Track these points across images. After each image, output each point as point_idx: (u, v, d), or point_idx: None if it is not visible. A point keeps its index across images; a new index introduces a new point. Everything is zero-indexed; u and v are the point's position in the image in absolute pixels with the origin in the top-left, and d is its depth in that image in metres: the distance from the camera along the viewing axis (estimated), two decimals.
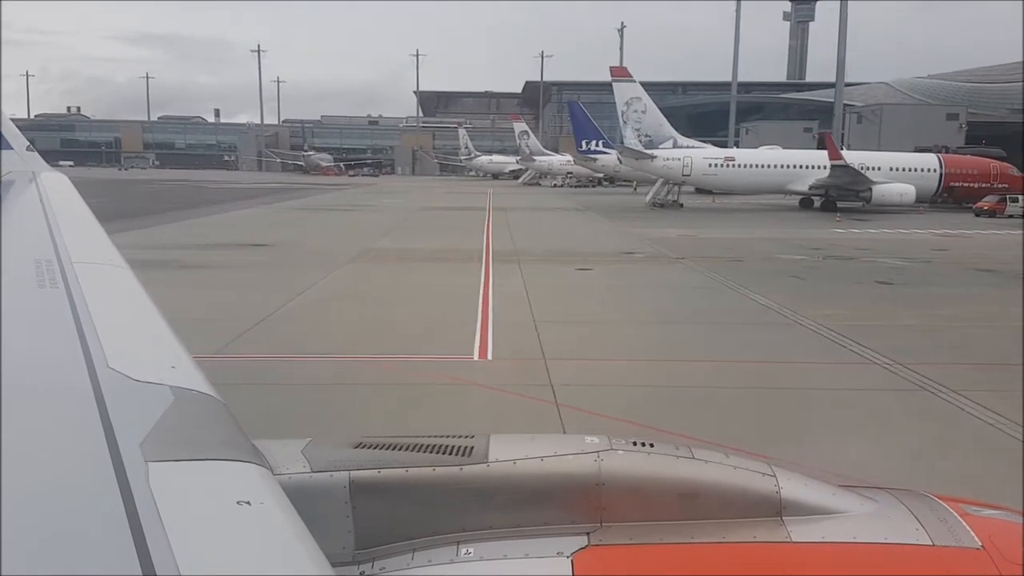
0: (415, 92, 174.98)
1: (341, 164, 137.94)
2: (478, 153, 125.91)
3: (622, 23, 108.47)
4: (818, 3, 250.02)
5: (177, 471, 1.57)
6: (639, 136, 50.86)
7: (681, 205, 51.67)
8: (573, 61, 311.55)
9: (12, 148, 8.18)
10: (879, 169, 49.34)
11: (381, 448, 2.41)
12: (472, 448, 2.38)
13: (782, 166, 51.02)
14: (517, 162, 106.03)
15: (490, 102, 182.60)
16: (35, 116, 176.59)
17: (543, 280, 20.42)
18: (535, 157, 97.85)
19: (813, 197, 51.30)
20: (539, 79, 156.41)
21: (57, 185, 6.78)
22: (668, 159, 50.35)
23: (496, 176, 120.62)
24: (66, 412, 1.84)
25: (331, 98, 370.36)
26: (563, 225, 40.76)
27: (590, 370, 11.92)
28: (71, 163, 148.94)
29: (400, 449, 2.40)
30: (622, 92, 50.88)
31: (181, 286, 19.24)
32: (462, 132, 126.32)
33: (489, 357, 12.56)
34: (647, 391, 10.88)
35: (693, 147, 53.39)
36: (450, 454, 2.36)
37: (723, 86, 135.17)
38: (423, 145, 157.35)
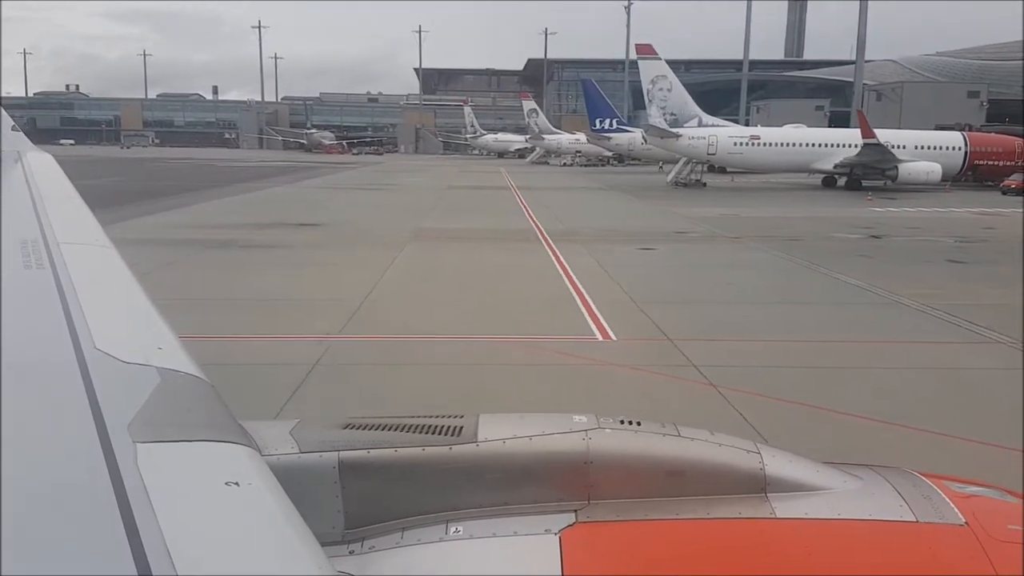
0: (416, 69, 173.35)
1: (344, 143, 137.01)
2: (483, 131, 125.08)
3: (629, 0, 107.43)
4: None
5: (165, 452, 1.56)
6: (664, 114, 50.56)
7: (704, 184, 51.51)
8: (571, 39, 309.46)
9: None
10: (904, 147, 49.19)
11: (370, 428, 2.42)
12: (461, 428, 2.39)
13: (808, 144, 50.83)
14: (526, 140, 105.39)
15: (491, 80, 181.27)
16: (34, 94, 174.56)
17: (613, 259, 20.31)
18: (544, 136, 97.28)
19: (837, 176, 51.22)
20: (540, 56, 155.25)
21: (42, 165, 6.74)
22: (693, 137, 50.12)
23: (501, 155, 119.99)
24: (53, 393, 1.83)
25: (323, 75, 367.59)
26: (597, 204, 40.58)
27: (726, 351, 11.83)
28: (72, 141, 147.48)
29: (389, 429, 2.41)
30: (647, 70, 50.50)
31: (258, 266, 19.14)
32: (467, 110, 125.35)
33: (614, 337, 12.46)
34: (798, 372, 10.81)
35: (718, 126, 53.16)
36: (439, 434, 2.37)
37: (722, 64, 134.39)
38: (425, 123, 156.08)
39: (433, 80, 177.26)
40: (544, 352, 11.70)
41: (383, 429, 2.41)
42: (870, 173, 48.85)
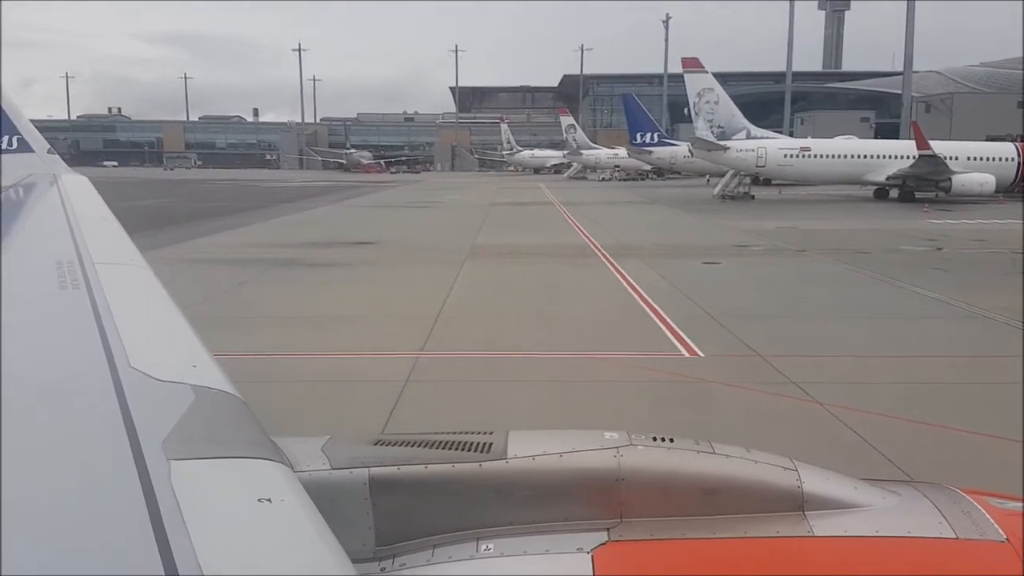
0: (451, 88, 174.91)
1: (381, 161, 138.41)
2: (520, 148, 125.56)
3: (667, 15, 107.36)
4: None
5: (198, 469, 1.58)
6: (711, 127, 50.20)
7: (752, 197, 50.95)
8: (603, 55, 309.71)
9: (34, 151, 8.43)
10: (956, 159, 48.21)
11: (400, 445, 2.42)
12: (491, 444, 2.39)
13: (860, 156, 50.08)
14: (564, 156, 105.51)
15: (525, 96, 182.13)
16: (77, 117, 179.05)
17: (679, 274, 20.04)
18: (582, 151, 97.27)
19: (889, 188, 50.35)
20: (575, 73, 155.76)
21: (78, 187, 6.85)
22: (742, 150, 49.65)
23: (537, 171, 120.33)
24: (89, 412, 1.86)
25: (358, 95, 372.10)
26: (647, 218, 40.29)
27: (820, 367, 11.52)
28: (115, 163, 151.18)
29: (419, 446, 2.41)
30: (693, 83, 50.23)
31: (327, 285, 19.24)
32: (504, 127, 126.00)
33: (700, 353, 12.22)
34: (900, 388, 10.48)
35: (767, 137, 52.63)
36: (469, 450, 2.36)
37: (758, 76, 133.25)
38: (461, 141, 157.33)
39: (468, 98, 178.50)
40: (631, 369, 11.50)
41: (413, 445, 2.41)
42: (923, 185, 47.94)
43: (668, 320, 14.44)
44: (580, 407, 9.74)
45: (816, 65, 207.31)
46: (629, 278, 19.24)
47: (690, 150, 54.69)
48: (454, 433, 2.47)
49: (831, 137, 57.04)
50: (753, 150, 49.59)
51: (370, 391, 10.38)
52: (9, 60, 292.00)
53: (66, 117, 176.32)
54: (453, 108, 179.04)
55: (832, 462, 2.67)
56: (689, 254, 24.20)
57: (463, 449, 2.37)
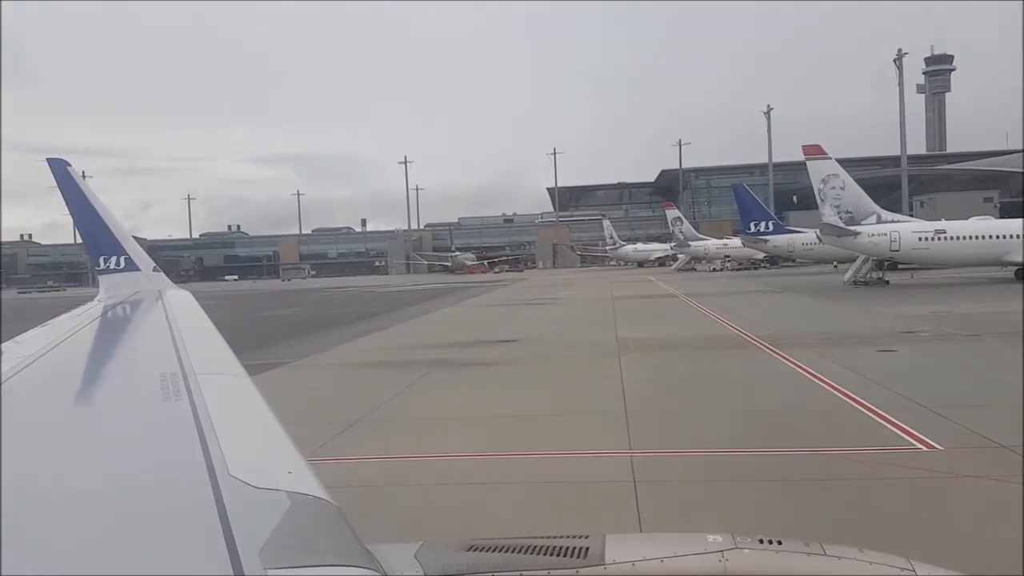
0: (548, 189, 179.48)
1: (485, 262, 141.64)
2: (623, 242, 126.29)
3: (768, 106, 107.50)
4: (952, 73, 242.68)
5: None
6: (839, 212, 48.97)
7: (887, 282, 48.91)
8: (696, 149, 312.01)
9: (139, 270, 8.87)
10: None
11: (494, 551, 2.36)
12: (587, 549, 2.30)
13: (999, 236, 47.72)
14: (671, 248, 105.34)
15: (622, 193, 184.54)
16: (199, 236, 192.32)
17: (858, 362, 18.94)
18: (690, 242, 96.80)
19: None
20: (673, 167, 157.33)
21: (181, 302, 7.19)
22: (874, 235, 48.11)
23: (641, 264, 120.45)
24: (190, 520, 1.92)
25: (453, 201, 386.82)
26: (785, 307, 39.04)
27: None
28: (235, 277, 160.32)
29: (513, 551, 2.34)
30: (817, 169, 49.44)
31: (493, 384, 19.14)
32: (606, 223, 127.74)
33: (938, 447, 11.28)
34: None
35: (898, 221, 50.95)
36: (565, 556, 2.28)
37: (861, 162, 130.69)
38: (560, 239, 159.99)
39: (565, 197, 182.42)
40: (870, 465, 10.66)
41: (507, 551, 2.35)
42: None
43: (878, 411, 13.52)
44: (836, 510, 8.99)
45: (920, 148, 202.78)
46: (807, 368, 18.34)
47: (818, 237, 53.34)
48: (549, 537, 2.40)
49: (952, 219, 54.79)
50: (886, 234, 47.98)
51: (607, 491, 9.97)
52: (129, 186, 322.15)
53: (188, 236, 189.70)
54: (550, 207, 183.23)
55: None
56: (855, 342, 23.05)
57: (559, 555, 2.29)
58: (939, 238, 47.92)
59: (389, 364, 23.23)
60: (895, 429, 12.38)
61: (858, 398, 14.69)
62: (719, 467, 10.97)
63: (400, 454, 12.19)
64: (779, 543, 2.30)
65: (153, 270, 9.18)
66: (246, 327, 39.75)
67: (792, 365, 19.11)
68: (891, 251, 48.11)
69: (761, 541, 2.31)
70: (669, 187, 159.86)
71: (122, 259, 8.93)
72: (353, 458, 11.88)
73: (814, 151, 49.22)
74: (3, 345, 4.95)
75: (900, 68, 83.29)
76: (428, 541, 2.41)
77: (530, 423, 14.33)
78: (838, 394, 15.38)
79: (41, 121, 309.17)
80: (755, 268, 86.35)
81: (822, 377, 17.11)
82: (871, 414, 13.50)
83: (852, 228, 48.33)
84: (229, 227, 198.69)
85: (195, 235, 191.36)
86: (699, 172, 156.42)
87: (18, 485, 2.15)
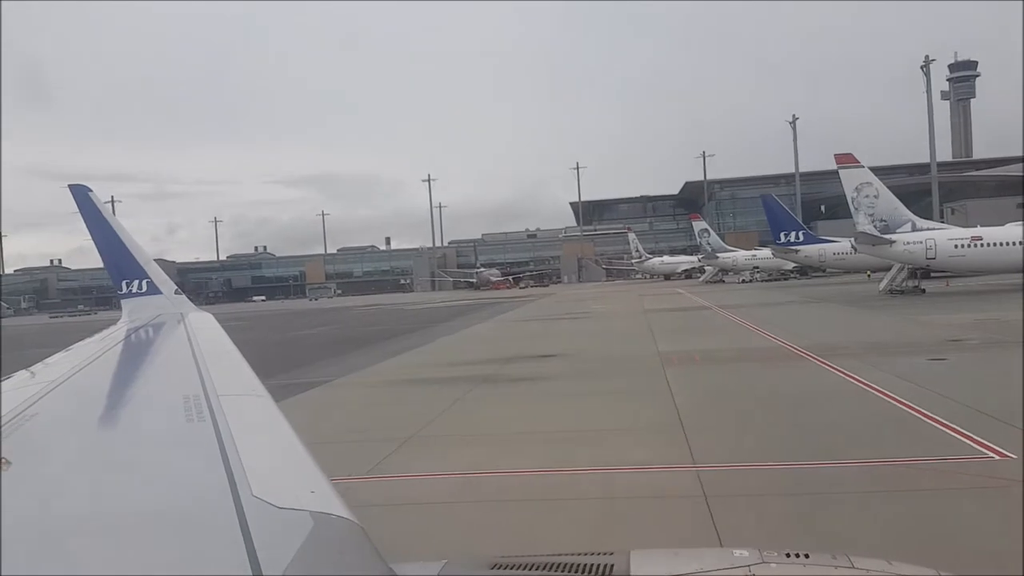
0: (572, 204, 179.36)
1: (510, 278, 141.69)
2: (648, 255, 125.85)
3: (794, 116, 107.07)
4: (977, 79, 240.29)
5: None
6: (873, 221, 48.48)
7: (923, 291, 48.27)
8: (720, 160, 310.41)
9: (161, 293, 8.92)
10: None
11: (518, 568, 2.37)
12: (612, 566, 2.27)
13: None
14: (699, 260, 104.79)
15: (645, 206, 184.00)
16: (227, 258, 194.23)
17: (910, 372, 18.65)
18: (718, 254, 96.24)
19: None
20: (696, 179, 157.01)
21: (203, 323, 7.24)
22: (909, 243, 47.55)
23: (668, 277, 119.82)
24: (214, 541, 1.93)
25: (476, 217, 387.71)
26: (822, 317, 38.65)
27: None
28: (263, 297, 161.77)
29: (537, 568, 2.35)
30: (850, 178, 49.05)
31: (543, 399, 19.08)
32: (632, 236, 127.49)
33: (1012, 455, 11.06)
34: None
35: (934, 228, 50.36)
36: (590, 573, 2.26)
37: (886, 170, 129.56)
38: (585, 253, 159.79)
39: (588, 211, 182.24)
40: (946, 475, 10.47)
41: (531, 568, 2.36)
42: None
43: (943, 420, 13.30)
44: (917, 520, 8.83)
45: (946, 155, 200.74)
46: (860, 378, 18.09)
47: (853, 245, 52.85)
48: (574, 555, 2.38)
49: (985, 226, 53.96)
50: (922, 242, 47.41)
51: (676, 506, 9.87)
52: (157, 210, 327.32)
53: (215, 258, 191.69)
54: (572, 221, 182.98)
55: None
56: (903, 352, 22.74)
57: (584, 572, 2.27)
58: (975, 245, 47.24)
59: (434, 381, 23.24)
60: (961, 438, 12.18)
61: (918, 408, 14.46)
62: (793, 480, 10.83)
63: (452, 471, 12.16)
64: (806, 556, 2.29)
65: (175, 293, 9.25)
66: (281, 346, 40.06)
67: (844, 376, 18.86)
68: (927, 259, 47.51)
69: (788, 555, 2.29)
70: (693, 199, 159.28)
71: (144, 283, 9.05)
72: (405, 475, 11.90)
73: (846, 159, 48.82)
74: (32, 368, 5.09)
75: (928, 75, 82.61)
76: (452, 559, 2.39)
77: (585, 438, 14.23)
78: (898, 404, 15.14)
79: (68, 147, 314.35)
80: (785, 279, 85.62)
81: (877, 387, 16.86)
82: (935, 423, 13.28)
83: (887, 236, 47.81)
84: (256, 248, 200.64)
85: (222, 257, 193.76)
86: (723, 183, 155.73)
87: (46, 506, 2.21)
